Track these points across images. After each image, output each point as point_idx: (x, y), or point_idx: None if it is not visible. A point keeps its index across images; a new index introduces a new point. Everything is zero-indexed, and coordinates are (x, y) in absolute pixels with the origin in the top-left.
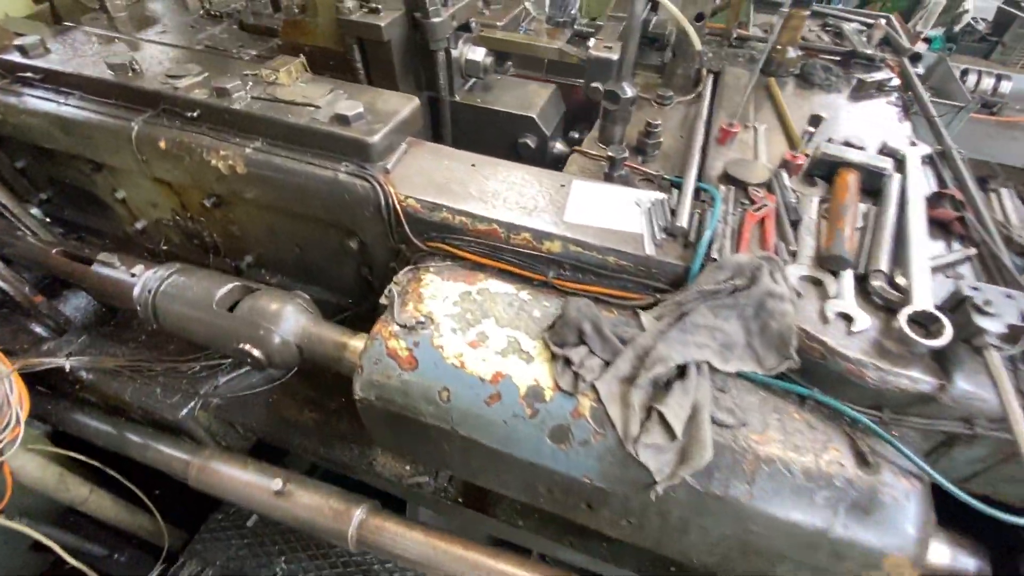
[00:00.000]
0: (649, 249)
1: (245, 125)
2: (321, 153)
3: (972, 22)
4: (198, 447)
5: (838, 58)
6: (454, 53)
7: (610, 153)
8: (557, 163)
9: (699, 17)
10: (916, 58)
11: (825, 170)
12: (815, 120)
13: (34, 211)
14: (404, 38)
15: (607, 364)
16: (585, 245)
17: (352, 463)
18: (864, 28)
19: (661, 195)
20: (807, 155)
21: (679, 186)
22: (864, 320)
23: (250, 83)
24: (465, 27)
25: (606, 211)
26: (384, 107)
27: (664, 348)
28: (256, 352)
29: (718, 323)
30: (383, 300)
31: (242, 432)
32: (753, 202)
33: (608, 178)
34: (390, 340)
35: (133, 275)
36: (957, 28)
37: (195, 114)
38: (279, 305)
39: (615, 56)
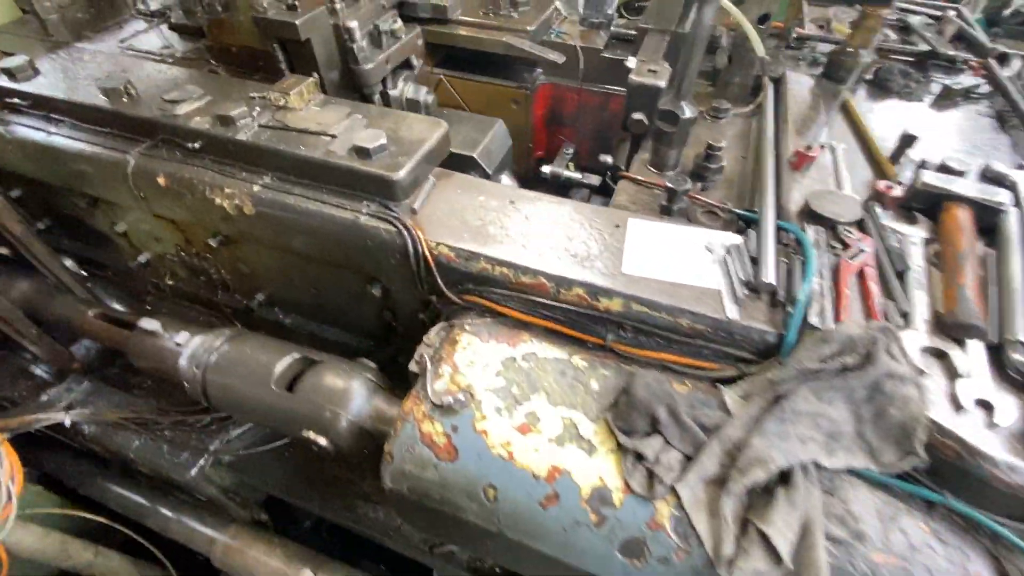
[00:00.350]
0: (731, 311)
1: (253, 158)
2: (339, 191)
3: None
4: (222, 523)
5: (910, 59)
6: (394, 93)
7: (669, 184)
8: None
9: (763, 19)
10: (1004, 58)
11: (926, 203)
12: (907, 140)
13: (68, 262)
14: (330, 38)
15: (687, 459)
16: (652, 304)
17: (377, 526)
18: (931, 21)
19: (736, 237)
20: (899, 182)
21: (749, 222)
22: (1010, 409)
23: (257, 108)
24: (406, 64)
25: (672, 258)
26: (409, 135)
27: (761, 444)
28: (322, 441)
29: (822, 408)
30: (412, 367)
31: (257, 490)
32: (846, 246)
33: (665, 211)
34: (424, 423)
35: (178, 344)
36: (1007, 12)
37: (197, 145)
38: (345, 382)
39: (662, 83)
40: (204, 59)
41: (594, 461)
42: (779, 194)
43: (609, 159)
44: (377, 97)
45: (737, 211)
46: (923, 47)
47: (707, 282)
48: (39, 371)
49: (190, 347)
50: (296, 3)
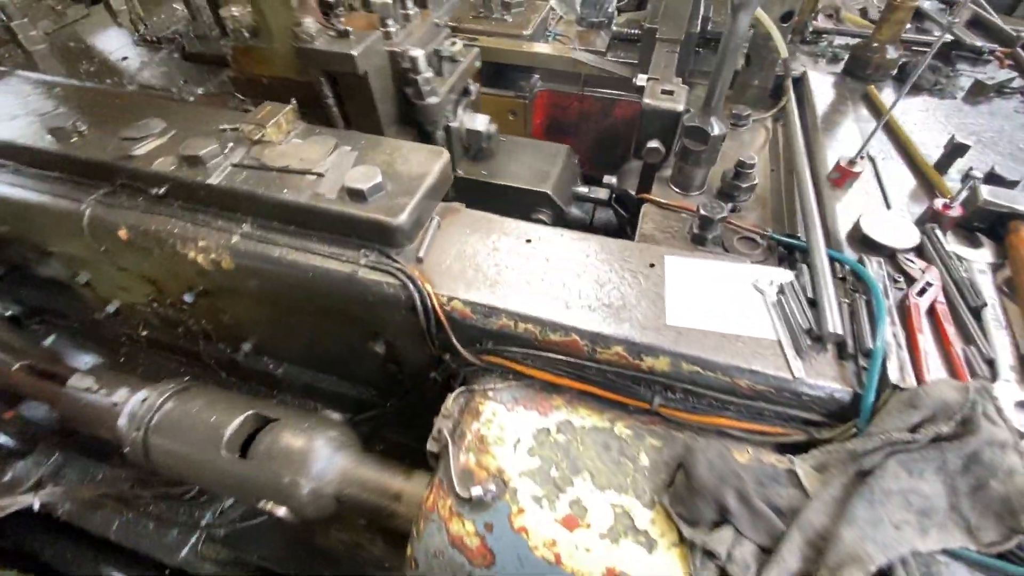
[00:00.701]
0: (797, 369)
1: (228, 203)
2: (331, 239)
3: None
4: None
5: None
6: (453, 124)
7: (703, 212)
8: (569, 227)
9: (787, 17)
10: None
11: (988, 222)
12: (957, 149)
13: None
14: (386, 67)
15: (763, 551)
16: (705, 364)
17: None
18: (944, 6)
19: (786, 274)
20: (952, 198)
21: (792, 249)
22: None
23: (230, 144)
24: (464, 91)
25: (719, 303)
26: (406, 169)
27: (852, 535)
28: (280, 512)
29: (913, 483)
30: (431, 445)
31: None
32: (910, 279)
33: (698, 241)
34: (452, 522)
35: (115, 404)
36: None
37: (161, 191)
38: (305, 443)
39: (680, 106)
40: (227, 92)
41: (656, 559)
42: (824, 217)
43: (614, 180)
44: (440, 134)
45: (778, 237)
46: (943, 36)
47: (763, 331)
48: (4, 439)
49: (129, 406)
50: (348, 28)
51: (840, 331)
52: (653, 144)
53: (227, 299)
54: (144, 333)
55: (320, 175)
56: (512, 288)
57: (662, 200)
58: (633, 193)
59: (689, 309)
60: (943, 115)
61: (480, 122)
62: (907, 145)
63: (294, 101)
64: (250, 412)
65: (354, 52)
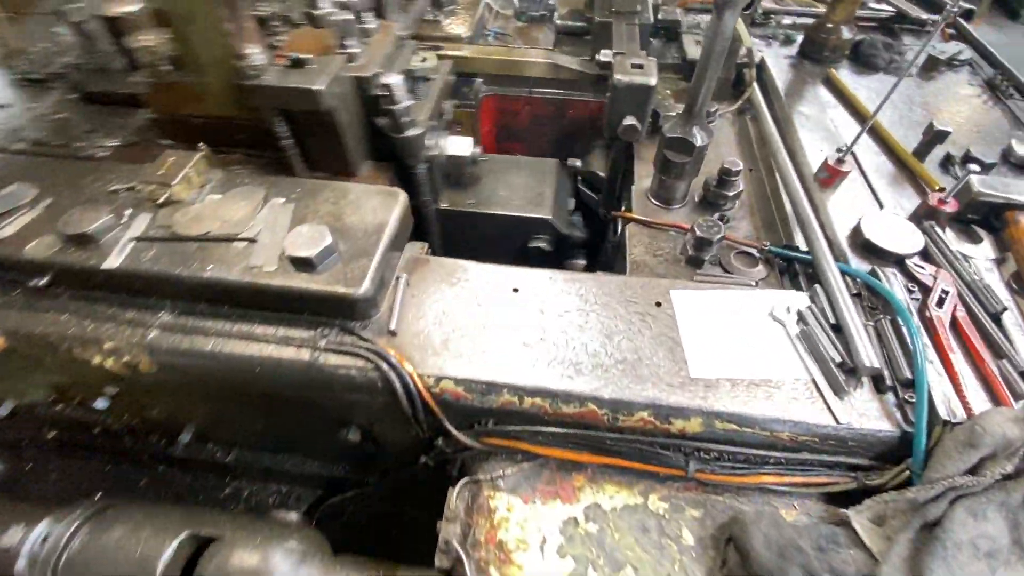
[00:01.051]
0: (839, 412)
1: (138, 288)
2: (278, 319)
3: None
4: None
5: (874, 24)
6: (432, 152)
7: (700, 233)
8: (573, 249)
9: (750, 4)
10: (969, 15)
11: (982, 213)
12: (937, 136)
13: None
14: (352, 96)
15: None
16: (741, 419)
17: None
18: None
19: (800, 297)
20: (942, 189)
21: (790, 260)
22: None
23: (127, 210)
24: (439, 112)
25: (739, 341)
26: (358, 219)
27: None
28: None
29: (979, 527)
30: (439, 560)
31: None
32: (924, 287)
33: (694, 262)
34: None
35: (7, 550)
36: None
37: (43, 282)
38: (259, 560)
39: (653, 79)
40: (152, 140)
41: None
42: (821, 223)
43: (578, 163)
44: (422, 168)
45: (778, 251)
46: (883, 8)
47: (793, 370)
48: None
49: (28, 547)
50: (304, 57)
51: (876, 363)
52: (629, 121)
53: (154, 396)
54: (52, 435)
55: (252, 240)
56: (509, 354)
57: (647, 219)
58: (602, 174)
59: (711, 355)
60: (903, 95)
61: (463, 145)
62: (887, 139)
63: (203, 146)
64: (185, 534)
65: (318, 87)
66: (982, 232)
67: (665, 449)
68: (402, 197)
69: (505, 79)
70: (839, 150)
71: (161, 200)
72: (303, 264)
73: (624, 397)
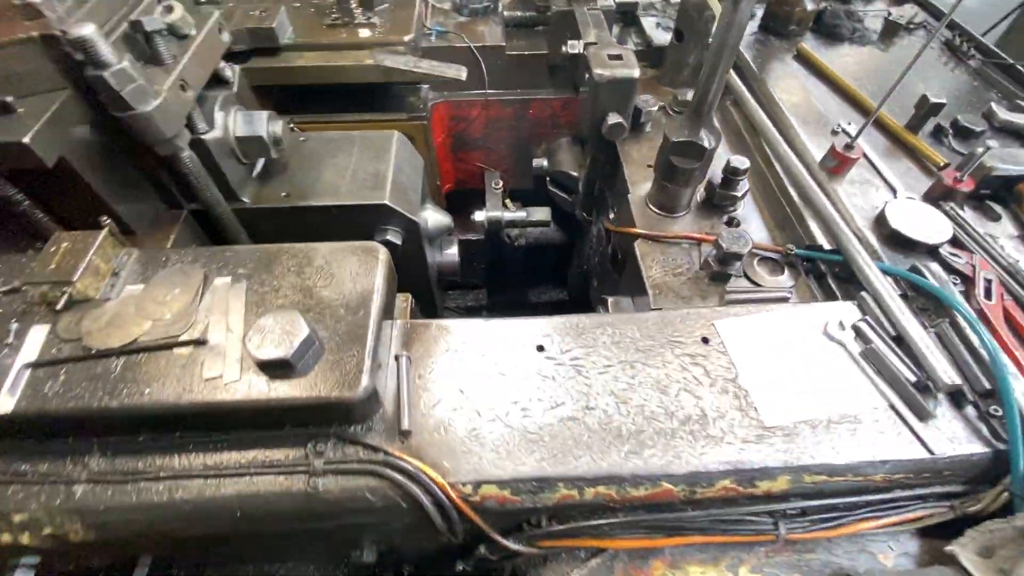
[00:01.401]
0: (931, 441)
1: (50, 430)
2: (252, 439)
3: None
4: None
5: None
6: (214, 135)
7: (727, 247)
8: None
9: None
10: None
11: (993, 188)
12: (932, 109)
13: None
14: (96, 137)
15: None
16: (831, 469)
17: None
18: None
19: (848, 308)
20: (941, 163)
21: (812, 260)
22: None
23: (13, 323)
24: (215, 80)
25: (803, 373)
26: (335, 290)
27: None
28: None
29: None
30: None
31: None
32: (965, 278)
33: (720, 278)
34: None
35: None
36: None
37: None
38: None
39: (635, 71)
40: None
41: None
42: (843, 217)
43: (544, 162)
44: (188, 155)
45: (806, 253)
46: None
47: (869, 398)
48: None
49: None
50: (6, 99)
51: (955, 378)
52: (614, 120)
53: (96, 551)
54: None
55: (200, 342)
56: (557, 435)
57: (656, 234)
58: (574, 174)
59: (779, 395)
60: (871, 66)
61: (257, 123)
62: (881, 118)
63: (108, 220)
64: None
65: (24, 137)
66: (998, 208)
67: (751, 514)
68: (382, 253)
69: (456, 82)
70: (834, 132)
71: (60, 304)
72: (277, 368)
73: (701, 467)
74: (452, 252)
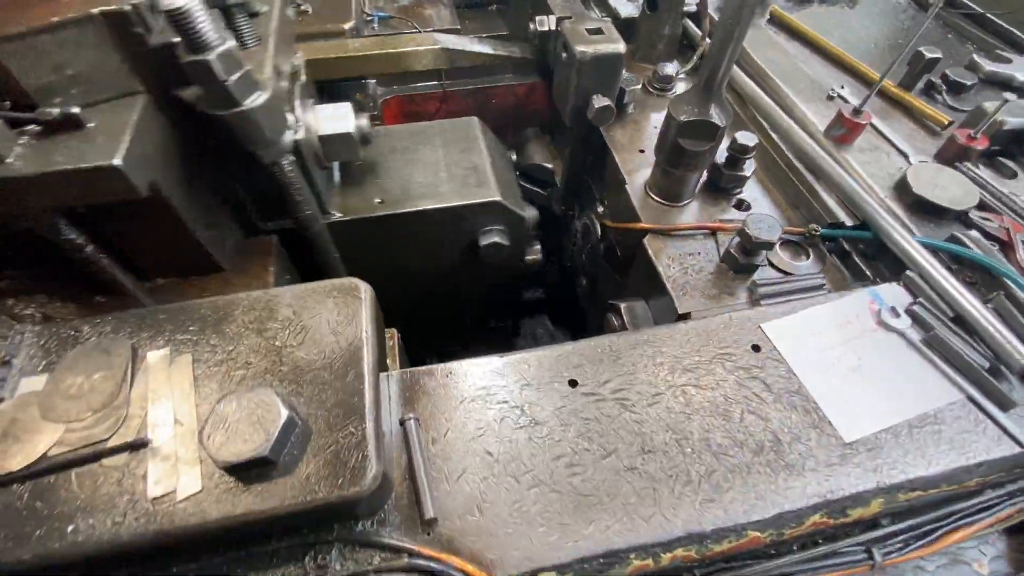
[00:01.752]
0: (1020, 432)
1: None
2: (233, 559)
3: None
4: None
5: None
6: (297, 136)
7: (755, 235)
8: (531, 235)
9: None
10: None
11: (1003, 144)
12: (927, 65)
13: None
14: (180, 153)
15: None
16: (925, 482)
17: None
18: None
19: (895, 290)
20: (945, 122)
21: (833, 239)
22: None
23: None
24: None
25: (866, 370)
26: (312, 351)
27: None
28: None
29: None
30: None
31: None
32: (1002, 243)
33: (745, 269)
34: None
35: None
36: None
37: None
38: None
39: (621, 46)
40: None
41: None
42: (866, 189)
43: (514, 156)
44: (290, 161)
45: (828, 232)
46: None
47: (942, 391)
48: None
49: None
50: (76, 111)
51: None
52: (602, 103)
53: None
54: None
55: (139, 445)
56: (616, 493)
57: (667, 227)
58: (548, 166)
59: (850, 402)
60: (844, 22)
61: (343, 117)
62: (873, 78)
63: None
64: None
65: (116, 161)
66: (1012, 164)
67: (846, 547)
68: (365, 290)
69: (409, 76)
70: (830, 97)
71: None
72: (253, 468)
73: (788, 506)
74: (537, 249)
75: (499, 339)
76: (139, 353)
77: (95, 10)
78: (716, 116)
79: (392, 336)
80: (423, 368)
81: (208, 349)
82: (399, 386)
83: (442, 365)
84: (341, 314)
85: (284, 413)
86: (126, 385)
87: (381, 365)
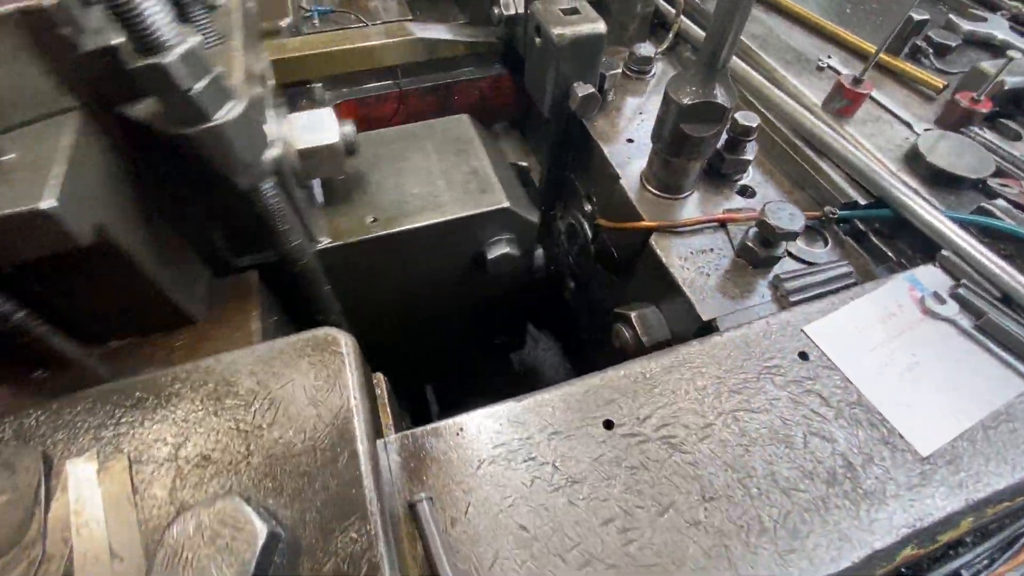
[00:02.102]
0: None
1: None
2: None
3: None
4: None
5: None
6: (270, 149)
7: (777, 224)
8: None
9: None
10: None
11: (1002, 104)
12: (916, 27)
13: None
14: (131, 185)
15: None
16: (1014, 490)
17: None
18: None
19: (934, 272)
20: (940, 86)
21: (848, 221)
22: None
23: None
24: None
25: (925, 369)
26: (287, 430)
27: None
28: None
29: None
30: None
31: None
32: (1021, 207)
33: (765, 263)
34: None
35: None
36: None
37: None
38: None
39: (602, 26)
40: None
41: None
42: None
43: None
44: (271, 185)
45: (846, 213)
46: None
47: (1008, 381)
48: None
49: None
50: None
51: None
52: (586, 91)
53: None
54: None
55: None
56: (683, 558)
57: (675, 224)
58: (523, 164)
59: (915, 408)
60: None
61: (324, 125)
62: (858, 44)
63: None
64: None
65: (46, 203)
66: (1015, 126)
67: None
68: (346, 341)
69: (360, 76)
70: (819, 68)
71: None
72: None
73: (879, 543)
74: (540, 254)
75: (501, 355)
76: (54, 463)
77: (5, 8)
78: (721, 96)
79: (379, 383)
80: (428, 428)
81: (150, 444)
82: (400, 454)
83: (450, 421)
84: (319, 377)
85: (262, 530)
86: (39, 510)
87: (376, 431)
